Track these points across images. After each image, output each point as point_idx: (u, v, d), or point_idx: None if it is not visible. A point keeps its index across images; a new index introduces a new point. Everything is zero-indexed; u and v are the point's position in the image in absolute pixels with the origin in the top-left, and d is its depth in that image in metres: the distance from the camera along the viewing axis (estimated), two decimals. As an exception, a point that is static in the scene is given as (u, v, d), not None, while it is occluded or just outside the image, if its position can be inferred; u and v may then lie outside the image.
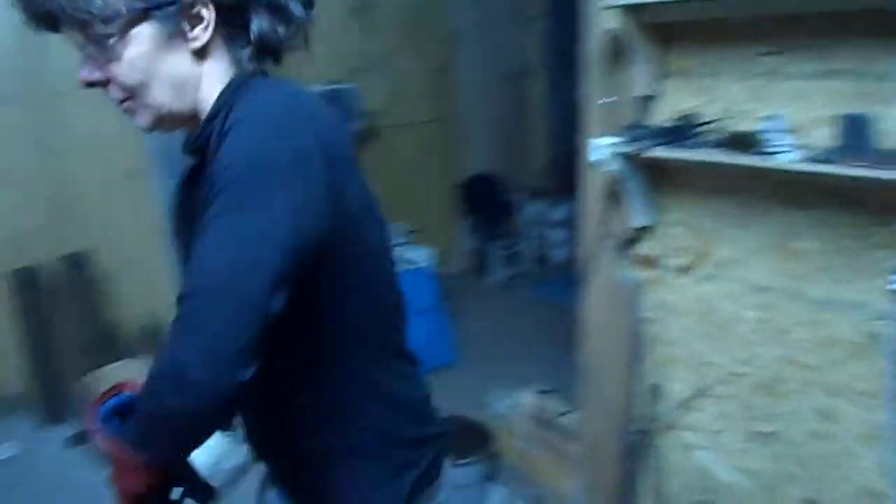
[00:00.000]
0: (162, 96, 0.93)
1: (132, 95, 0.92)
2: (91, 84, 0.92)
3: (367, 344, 1.01)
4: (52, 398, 3.47)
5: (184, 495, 0.98)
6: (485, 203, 5.05)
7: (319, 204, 0.85)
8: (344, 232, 0.90)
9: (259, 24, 0.95)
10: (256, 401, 0.96)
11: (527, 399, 2.77)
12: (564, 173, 5.00)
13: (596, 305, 2.28)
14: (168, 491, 0.96)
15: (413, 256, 3.63)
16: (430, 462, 1.12)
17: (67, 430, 3.35)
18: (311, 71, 4.16)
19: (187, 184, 1.05)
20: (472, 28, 5.04)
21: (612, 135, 1.88)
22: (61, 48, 0.97)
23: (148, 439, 0.86)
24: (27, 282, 3.36)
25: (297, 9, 0.96)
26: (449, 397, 3.27)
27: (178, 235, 1.07)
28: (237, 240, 0.80)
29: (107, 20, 0.86)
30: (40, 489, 2.88)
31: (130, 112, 0.95)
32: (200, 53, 0.93)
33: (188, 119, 0.97)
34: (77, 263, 3.46)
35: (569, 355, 2.58)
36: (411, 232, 3.85)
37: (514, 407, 2.78)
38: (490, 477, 2.69)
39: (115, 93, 0.93)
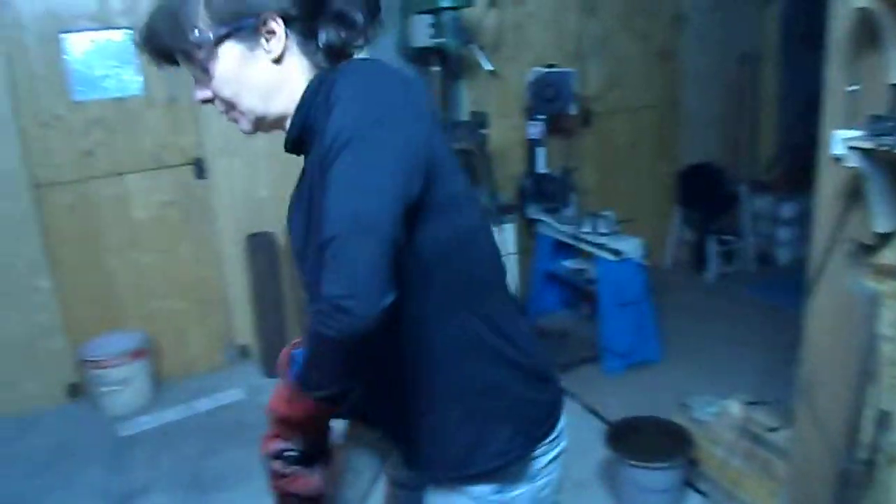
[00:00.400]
0: (253, 103, 1.09)
1: (231, 106, 1.10)
2: (204, 101, 1.10)
3: (472, 288, 1.09)
4: (271, 352, 3.80)
5: (314, 447, 1.11)
6: (703, 194, 4.75)
7: (418, 148, 0.98)
8: (434, 177, 1.00)
9: (326, 33, 1.08)
10: (379, 348, 1.00)
11: (733, 408, 2.58)
12: (796, 166, 4.59)
13: (823, 315, 2.05)
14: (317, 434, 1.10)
15: (621, 247, 3.51)
16: (545, 409, 1.18)
17: (286, 383, 3.67)
18: (528, 54, 4.16)
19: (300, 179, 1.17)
20: (700, 9, 4.73)
21: (857, 127, 1.67)
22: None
23: (311, 376, 1.00)
24: (262, 245, 3.70)
25: (359, 17, 1.09)
26: (649, 396, 3.20)
27: (290, 222, 1.19)
28: (360, 186, 0.91)
29: (200, 45, 1.04)
30: (255, 433, 3.18)
31: (233, 120, 1.13)
32: (278, 61, 1.07)
33: (281, 120, 1.12)
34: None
35: (785, 366, 2.37)
36: (621, 221, 3.72)
37: (718, 415, 2.60)
38: (688, 484, 2.55)
39: (219, 106, 1.11)
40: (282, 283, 3.78)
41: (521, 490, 1.15)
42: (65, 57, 3.40)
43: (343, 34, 1.09)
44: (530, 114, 4.09)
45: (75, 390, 3.67)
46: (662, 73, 4.76)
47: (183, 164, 3.69)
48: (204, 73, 1.07)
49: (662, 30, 4.69)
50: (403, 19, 3.73)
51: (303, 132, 1.08)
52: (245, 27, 1.04)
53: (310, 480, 1.11)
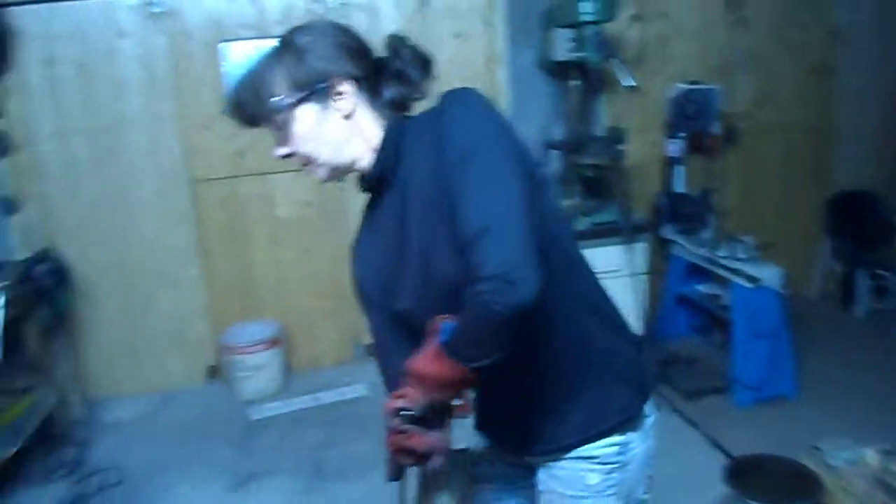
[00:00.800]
0: (329, 155, 1.24)
1: (309, 160, 1.25)
2: (284, 157, 1.25)
3: (574, 267, 1.27)
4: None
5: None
6: (857, 223, 4.42)
7: (522, 158, 1.14)
8: (532, 185, 1.13)
9: (388, 91, 1.25)
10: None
11: (870, 457, 2.39)
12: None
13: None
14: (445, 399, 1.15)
15: (759, 273, 3.34)
16: (647, 370, 1.36)
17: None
18: (671, 69, 4.05)
19: (369, 214, 1.34)
20: (859, 22, 4.40)
21: None
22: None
23: (465, 349, 1.07)
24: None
25: (415, 73, 1.24)
26: (778, 434, 3.02)
27: (365, 262, 1.34)
28: (497, 187, 1.06)
29: (279, 110, 1.19)
30: (374, 429, 3.27)
31: (311, 172, 1.27)
32: (349, 117, 1.22)
33: (351, 168, 1.27)
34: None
35: (935, 417, 2.17)
36: (762, 247, 3.54)
37: (852, 462, 2.42)
38: (815, 531, 2.39)
39: (297, 160, 1.26)
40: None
41: (637, 449, 1.29)
42: (223, 63, 3.66)
43: (403, 90, 1.25)
44: (670, 131, 3.98)
45: (213, 372, 3.94)
46: (816, 90, 4.48)
47: (325, 167, 3.87)
48: (282, 133, 1.22)
49: (817, 44, 4.41)
50: (544, 33, 3.74)
51: (385, 171, 1.24)
52: (318, 91, 1.20)
53: (424, 439, 1.16)
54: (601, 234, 3.59)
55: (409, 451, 1.18)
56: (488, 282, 1.00)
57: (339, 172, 1.28)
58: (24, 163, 3.66)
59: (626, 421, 1.27)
